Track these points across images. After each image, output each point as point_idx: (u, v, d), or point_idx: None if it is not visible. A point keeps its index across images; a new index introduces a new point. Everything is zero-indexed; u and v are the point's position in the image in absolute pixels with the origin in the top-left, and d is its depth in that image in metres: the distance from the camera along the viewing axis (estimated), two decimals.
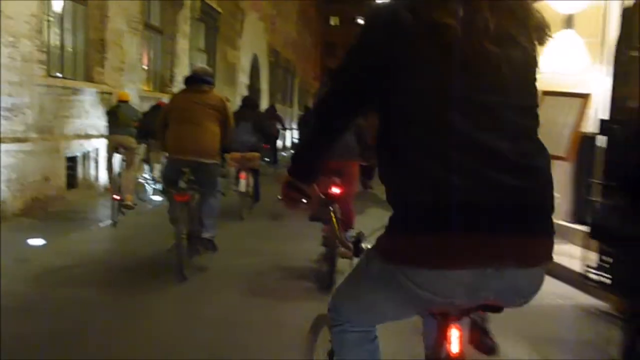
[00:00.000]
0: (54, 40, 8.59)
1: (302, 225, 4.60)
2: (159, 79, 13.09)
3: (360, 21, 67.57)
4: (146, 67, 12.19)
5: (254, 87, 22.33)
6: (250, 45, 21.20)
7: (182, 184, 4.91)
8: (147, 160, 9.41)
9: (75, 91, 8.75)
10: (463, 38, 1.36)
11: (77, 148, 8.86)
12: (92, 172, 9.38)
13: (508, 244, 1.36)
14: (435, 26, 1.36)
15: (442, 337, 1.51)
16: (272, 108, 17.85)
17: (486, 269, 1.36)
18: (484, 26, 1.38)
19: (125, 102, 8.08)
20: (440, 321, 1.53)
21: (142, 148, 8.84)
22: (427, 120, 1.39)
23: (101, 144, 9.49)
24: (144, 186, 9.27)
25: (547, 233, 1.44)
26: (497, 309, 1.51)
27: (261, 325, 3.90)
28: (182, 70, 13.78)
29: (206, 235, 5.18)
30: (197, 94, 5.07)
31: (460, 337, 1.50)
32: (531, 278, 1.45)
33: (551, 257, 1.45)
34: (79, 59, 9.40)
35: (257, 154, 7.77)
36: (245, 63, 20.41)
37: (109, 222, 7.31)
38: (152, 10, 12.35)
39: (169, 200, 5.15)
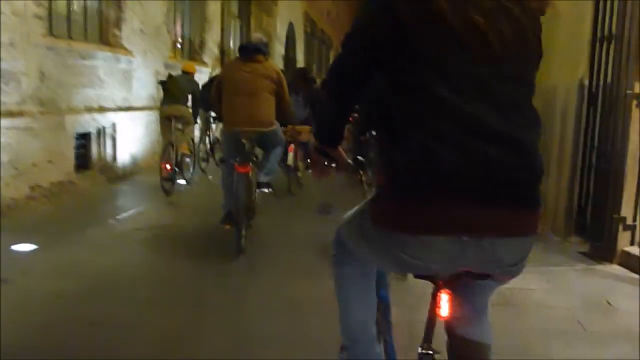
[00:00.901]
0: None
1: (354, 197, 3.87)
2: (187, 46, 11.58)
3: None
4: (172, 32, 10.66)
5: (289, 57, 20.72)
6: (287, 13, 19.52)
7: (242, 156, 4.76)
8: (206, 132, 9.56)
9: (86, 55, 7.27)
10: (451, 11, 1.38)
11: (89, 123, 7.43)
12: (109, 151, 7.97)
13: (486, 213, 1.38)
14: (426, 5, 1.39)
15: (433, 301, 1.60)
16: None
17: (463, 238, 1.39)
18: (475, 0, 1.40)
19: (188, 73, 8.31)
20: (434, 287, 1.59)
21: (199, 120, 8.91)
22: (414, 90, 1.42)
23: (119, 118, 8.06)
24: (194, 159, 8.55)
25: (530, 205, 1.45)
26: (483, 277, 1.55)
27: (321, 303, 3.18)
28: (213, 37, 12.25)
29: (263, 179, 5.24)
30: (251, 63, 4.93)
31: (450, 301, 1.57)
32: (512, 248, 1.46)
33: (535, 229, 1.46)
34: (91, 18, 7.92)
35: (307, 127, 7.40)
36: (281, 32, 18.77)
37: (135, 210, 6.28)
38: None
39: (226, 173, 5.00)
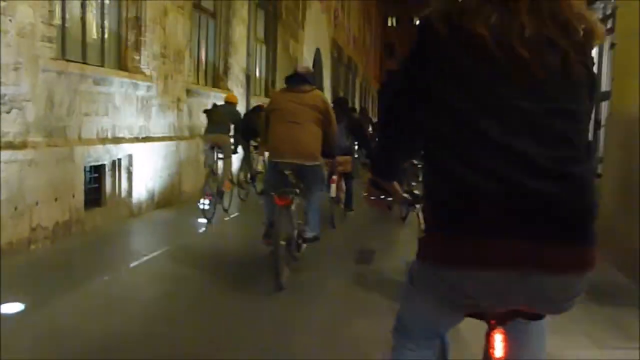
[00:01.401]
0: (74, 13, 6.51)
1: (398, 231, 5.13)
2: (211, 71, 10.98)
3: (418, 22, 66.41)
4: (195, 56, 10.06)
5: (316, 84, 20.10)
6: (314, 39, 18.98)
7: (283, 188, 4.67)
8: (246, 161, 9.50)
9: (101, 81, 6.63)
10: (496, 44, 1.38)
11: (102, 155, 6.76)
12: (124, 185, 7.28)
13: (532, 248, 1.35)
14: (468, 34, 1.39)
15: (487, 342, 1.54)
16: (364, 110, 17.89)
17: (510, 273, 1.37)
18: (519, 31, 1.38)
19: (231, 103, 8.74)
20: (488, 327, 1.55)
21: (239, 148, 9.02)
22: (459, 125, 1.41)
23: (136, 149, 7.39)
24: (237, 187, 9.03)
25: (580, 240, 1.40)
26: (535, 316, 1.54)
27: (359, 341, 3.42)
28: (238, 62, 11.64)
29: (309, 235, 5.06)
30: (298, 93, 4.89)
31: (504, 341, 1.52)
32: (562, 285, 1.42)
33: (589, 266, 1.41)
34: (110, 41, 7.32)
35: (349, 158, 7.23)
36: (307, 57, 18.21)
37: (152, 254, 5.56)
38: None
39: (267, 203, 4.94)
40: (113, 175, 7.16)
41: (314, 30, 18.80)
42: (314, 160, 4.89)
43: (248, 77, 12.18)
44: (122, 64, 7.46)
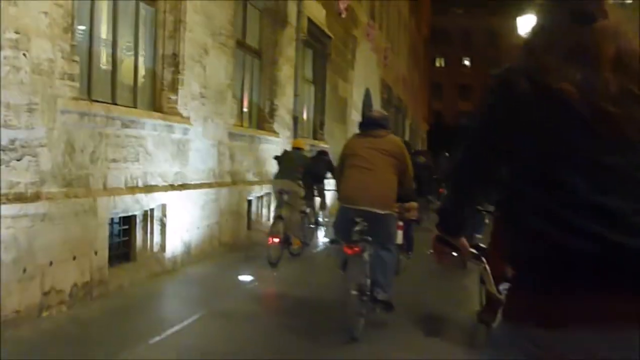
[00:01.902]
0: (102, 48, 5.92)
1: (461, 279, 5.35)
2: (256, 112, 10.32)
3: (467, 62, 66.03)
4: (238, 97, 9.42)
5: (391, 128, 19.32)
6: (363, 79, 18.31)
7: (354, 235, 4.52)
8: (311, 206, 9.14)
9: (130, 124, 5.97)
10: (580, 101, 1.37)
11: (131, 205, 6.04)
12: (157, 238, 6.54)
13: (627, 306, 1.32)
14: (551, 90, 1.39)
15: None
16: (427, 153, 17.14)
17: (604, 331, 1.33)
18: (603, 88, 1.38)
19: (299, 149, 8.67)
20: None
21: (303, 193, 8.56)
22: (545, 184, 1.40)
23: (171, 198, 6.66)
24: (306, 230, 8.88)
25: None
26: None
27: None
28: (284, 103, 10.96)
29: (380, 296, 4.67)
30: (372, 138, 4.81)
31: None
32: None
33: None
34: (145, 80, 6.72)
35: (415, 204, 6.60)
36: (357, 98, 17.49)
37: (188, 320, 4.78)
38: (248, 25, 9.66)
39: (337, 251, 4.95)
40: (144, 227, 6.43)
41: (363, 70, 18.15)
42: (387, 209, 4.68)
43: (295, 119, 11.49)
44: (157, 105, 6.82)
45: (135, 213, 6.28)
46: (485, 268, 2.06)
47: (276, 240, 7.27)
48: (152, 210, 6.46)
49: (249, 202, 9.68)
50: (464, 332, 4.99)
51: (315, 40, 13.11)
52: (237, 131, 8.74)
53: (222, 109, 8.18)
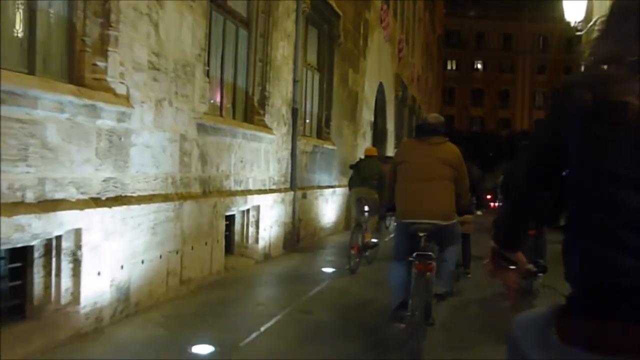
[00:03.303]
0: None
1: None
2: (241, 100, 7.91)
3: (479, 66, 63.61)
4: (215, 76, 7.03)
5: (377, 126, 16.93)
6: (377, 71, 15.89)
7: (418, 251, 4.11)
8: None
9: (12, 98, 3.57)
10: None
11: (18, 233, 3.64)
12: (66, 282, 4.14)
13: None
14: (612, 104, 1.35)
15: None
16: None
17: None
18: None
19: (372, 156, 8.60)
20: None
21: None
22: (599, 200, 1.37)
23: (89, 220, 4.28)
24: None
25: None
26: None
27: None
28: (280, 89, 8.58)
29: (440, 290, 4.48)
30: (430, 145, 4.46)
31: None
32: None
33: None
34: (52, 34, 4.34)
35: (471, 217, 6.34)
36: (369, 93, 15.07)
37: None
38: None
39: (398, 272, 4.38)
40: (46, 266, 4.05)
41: (377, 61, 15.74)
42: (450, 220, 4.38)
43: (295, 112, 9.08)
44: (74, 74, 4.44)
45: (31, 244, 3.91)
46: (542, 284, 1.91)
47: (355, 248, 7.39)
48: (58, 239, 4.07)
49: (229, 218, 7.28)
50: None
51: (320, 17, 10.72)
52: (212, 123, 6.34)
53: (187, 89, 5.79)
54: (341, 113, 12.23)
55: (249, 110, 7.93)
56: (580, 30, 12.05)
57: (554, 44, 60.32)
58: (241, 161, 7.22)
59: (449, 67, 61.21)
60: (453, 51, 58.98)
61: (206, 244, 6.21)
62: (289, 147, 8.97)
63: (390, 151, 18.72)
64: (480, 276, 7.01)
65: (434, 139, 4.50)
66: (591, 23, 14.72)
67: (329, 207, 11.20)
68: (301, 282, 6.85)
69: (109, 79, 4.54)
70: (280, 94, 8.61)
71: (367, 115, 15.01)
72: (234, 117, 7.50)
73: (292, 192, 9.03)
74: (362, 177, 7.95)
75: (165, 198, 5.39)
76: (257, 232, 7.76)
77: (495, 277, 1.85)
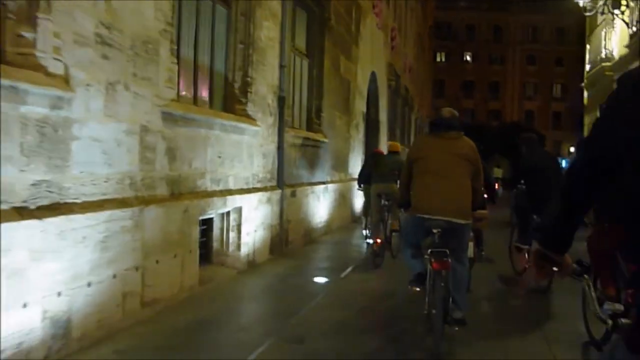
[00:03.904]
0: None
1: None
2: (220, 86, 6.89)
3: (468, 58, 62.58)
4: (187, 56, 6.01)
5: (370, 117, 15.97)
6: (369, 59, 14.91)
7: (433, 247, 4.12)
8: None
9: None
10: None
11: None
12: None
13: None
14: None
15: None
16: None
17: None
18: None
19: (395, 152, 8.56)
20: None
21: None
22: None
23: (11, 234, 3.27)
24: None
25: None
26: None
27: None
28: (266, 76, 7.59)
29: (457, 315, 4.22)
30: (446, 141, 4.42)
31: None
32: None
33: None
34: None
35: (486, 212, 5.51)
36: (362, 82, 14.09)
37: None
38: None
39: (412, 264, 4.53)
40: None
41: (369, 49, 14.75)
42: (467, 218, 4.30)
43: (281, 101, 8.08)
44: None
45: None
46: (589, 286, 1.81)
47: (378, 241, 7.48)
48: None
49: (207, 223, 6.30)
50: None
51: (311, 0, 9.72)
52: (182, 112, 5.33)
53: (149, 71, 4.78)
54: (333, 103, 11.24)
55: (229, 98, 6.92)
56: (590, 11, 11.15)
57: (544, 35, 59.61)
58: (219, 156, 6.22)
59: (438, 59, 60.30)
60: (443, 43, 58.08)
61: (175, 255, 5.22)
62: (276, 140, 7.98)
63: (383, 143, 17.79)
64: (490, 272, 7.21)
65: (451, 134, 4.44)
66: (600, 3, 14.00)
67: (320, 205, 10.23)
68: (290, 296, 5.89)
69: (38, 55, 3.53)
70: (265, 80, 7.60)
71: (360, 105, 14.04)
72: (211, 106, 6.49)
73: (280, 191, 8.05)
74: (383, 172, 7.86)
75: (121, 204, 4.39)
76: (239, 238, 6.77)
77: (539, 278, 1.80)
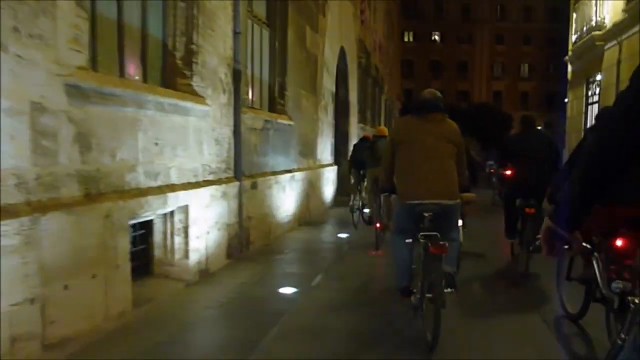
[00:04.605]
0: None
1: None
2: (156, 57, 5.52)
3: (436, 38, 61.61)
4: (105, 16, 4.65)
5: (340, 98, 14.74)
6: (337, 33, 13.65)
7: (425, 232, 4.11)
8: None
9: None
10: None
11: None
12: None
13: None
14: None
15: None
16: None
17: None
18: None
19: (384, 136, 8.40)
20: None
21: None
22: None
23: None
24: None
25: None
26: None
27: None
28: (215, 45, 6.29)
29: (447, 269, 4.08)
30: (430, 123, 4.34)
31: None
32: None
33: None
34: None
35: (473, 195, 5.35)
36: (330, 58, 12.83)
37: None
38: None
39: (402, 248, 4.37)
40: None
41: (337, 21, 13.48)
42: (455, 199, 4.27)
43: (237, 75, 6.79)
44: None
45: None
46: (596, 261, 1.77)
47: (378, 225, 7.66)
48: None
49: (144, 227, 5.04)
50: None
51: None
52: (96, 85, 4.01)
53: (41, 26, 3.45)
54: (298, 81, 9.96)
55: (168, 71, 5.60)
56: None
57: (512, 12, 59.01)
58: (156, 144, 4.93)
59: (406, 39, 59.33)
60: (411, 23, 57.11)
61: (94, 276, 3.94)
62: (231, 122, 6.70)
63: (353, 126, 16.62)
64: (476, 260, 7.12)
65: (436, 116, 4.36)
66: None
67: (286, 196, 9.00)
68: (249, 318, 4.67)
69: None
70: (216, 50, 6.30)
71: (329, 84, 12.79)
72: (144, 80, 5.17)
73: (238, 183, 6.79)
74: (378, 156, 7.54)
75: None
76: (187, 242, 5.51)
77: (549, 255, 1.78)
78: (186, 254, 5.50)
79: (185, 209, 5.45)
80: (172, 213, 5.38)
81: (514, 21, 58.66)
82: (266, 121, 8.03)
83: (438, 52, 61.29)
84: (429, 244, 3.96)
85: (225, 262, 6.43)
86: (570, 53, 16.31)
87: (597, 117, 5.08)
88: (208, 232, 5.95)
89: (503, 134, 43.57)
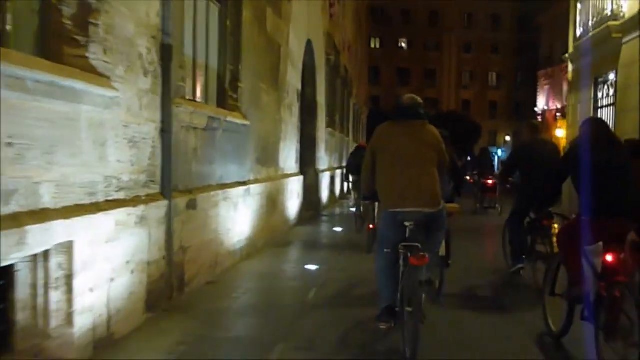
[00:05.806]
0: None
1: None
2: (27, 19, 3.58)
3: (403, 45, 60.50)
4: None
5: (306, 98, 12.89)
6: (305, 23, 11.82)
7: (407, 242, 3.98)
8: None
9: None
10: None
11: None
12: None
13: None
14: None
15: None
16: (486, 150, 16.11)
17: None
18: None
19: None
20: None
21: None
22: None
23: None
24: None
25: None
26: None
27: None
28: (135, 9, 4.28)
29: (425, 276, 4.11)
30: (411, 129, 4.21)
31: None
32: None
33: None
34: None
35: (456, 206, 5.59)
36: (295, 50, 10.97)
37: None
38: None
39: (386, 261, 4.14)
40: None
41: (305, 10, 11.66)
42: (438, 206, 4.13)
43: (167, 52, 4.87)
44: None
45: None
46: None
47: (371, 227, 7.78)
48: None
49: (3, 277, 3.06)
50: None
51: None
52: None
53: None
54: (257, 71, 8.07)
55: (48, 34, 3.64)
56: None
57: (480, 21, 58.36)
58: (9, 143, 2.98)
59: (372, 45, 58.03)
60: (377, 28, 55.87)
61: None
62: (157, 117, 4.77)
63: (321, 131, 14.80)
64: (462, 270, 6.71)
65: (416, 122, 4.24)
66: None
67: (239, 216, 7.06)
68: None
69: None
70: (134, 13, 4.36)
71: (294, 80, 10.92)
72: (2, 44, 3.20)
73: (166, 202, 4.85)
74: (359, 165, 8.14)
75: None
76: (71, 300, 3.54)
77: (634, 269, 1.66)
78: (69, 319, 3.52)
79: (68, 248, 3.48)
80: (46, 254, 3.41)
81: (482, 29, 58.05)
82: (212, 119, 6.09)
83: (405, 59, 60.34)
84: (409, 255, 3.84)
85: (144, 319, 4.46)
86: (571, 49, 14.63)
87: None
88: (112, 279, 3.98)
89: (473, 143, 42.17)
